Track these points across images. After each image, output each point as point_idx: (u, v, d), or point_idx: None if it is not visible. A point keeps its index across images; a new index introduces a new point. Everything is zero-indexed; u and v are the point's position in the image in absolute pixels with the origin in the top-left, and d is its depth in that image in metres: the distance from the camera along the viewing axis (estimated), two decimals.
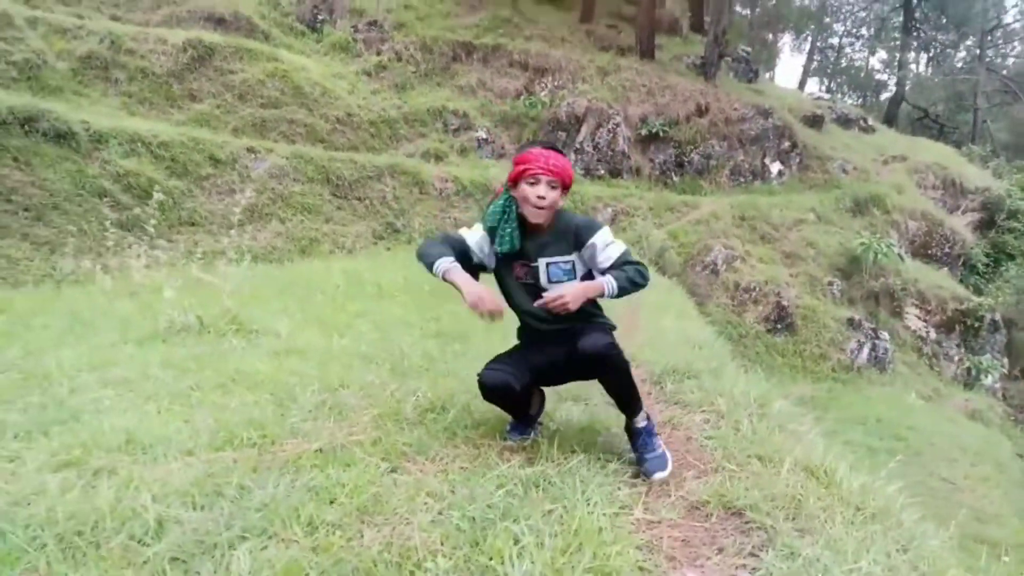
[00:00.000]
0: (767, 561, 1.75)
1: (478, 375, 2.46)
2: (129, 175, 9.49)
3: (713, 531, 1.99)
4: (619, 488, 2.21)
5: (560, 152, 2.44)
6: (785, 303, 13.21)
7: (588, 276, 2.48)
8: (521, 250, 2.44)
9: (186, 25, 14.83)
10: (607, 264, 2.42)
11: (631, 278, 2.37)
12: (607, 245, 2.43)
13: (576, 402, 3.19)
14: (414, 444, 2.47)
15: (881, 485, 2.29)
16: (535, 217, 2.39)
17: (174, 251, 8.23)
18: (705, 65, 19.01)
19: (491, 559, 1.68)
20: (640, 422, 2.42)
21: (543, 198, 2.35)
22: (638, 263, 2.44)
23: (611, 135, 16.37)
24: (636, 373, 3.70)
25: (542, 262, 2.45)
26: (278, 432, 2.56)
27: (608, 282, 2.34)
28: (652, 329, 5.85)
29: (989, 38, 37.34)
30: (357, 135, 14.32)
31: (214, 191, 10.32)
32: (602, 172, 16.16)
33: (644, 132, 16.80)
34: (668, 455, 2.39)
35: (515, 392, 2.39)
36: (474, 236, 2.49)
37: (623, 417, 2.47)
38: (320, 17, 17.93)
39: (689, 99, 17.55)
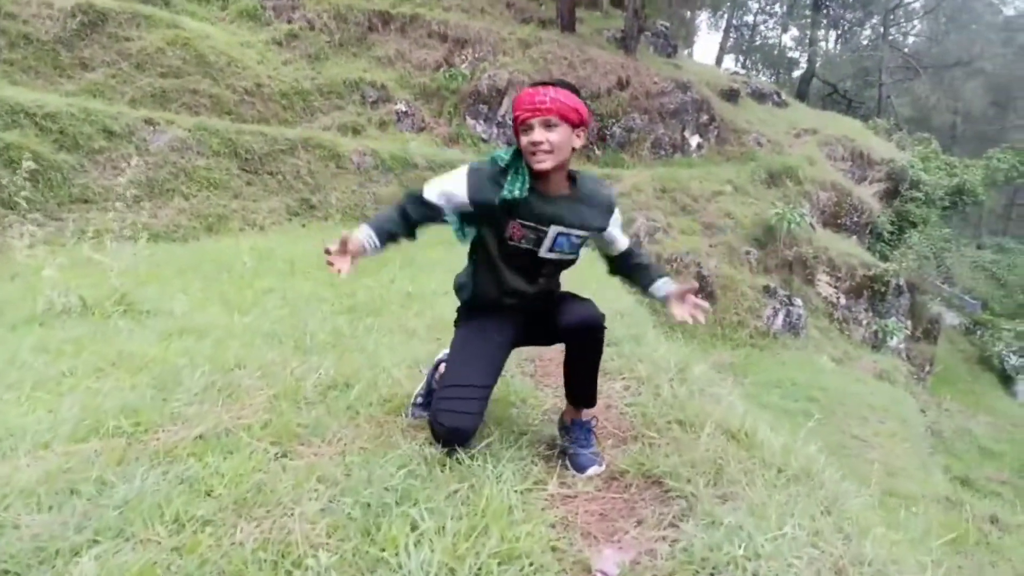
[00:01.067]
0: (688, 531, 1.63)
1: (433, 421, 2.07)
2: (9, 149, 8.66)
3: (632, 502, 1.87)
4: (533, 463, 2.06)
5: (563, 85, 2.03)
6: (706, 273, 13.44)
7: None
8: (526, 207, 2.04)
9: None
10: (621, 248, 2.29)
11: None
12: (616, 237, 2.27)
13: None
14: (310, 425, 2.24)
15: (801, 446, 2.21)
16: (539, 163, 1.99)
17: (63, 230, 7.58)
18: (625, 39, 19.01)
19: (383, 550, 1.48)
20: (587, 416, 2.22)
21: (538, 143, 1.97)
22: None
23: None
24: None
25: (553, 230, 2.09)
26: (155, 418, 2.28)
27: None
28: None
29: (892, 16, 39.00)
30: (268, 107, 13.61)
31: (108, 166, 9.54)
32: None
33: None
34: (604, 457, 2.18)
35: (475, 430, 2.10)
36: (445, 184, 2.08)
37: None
38: None
39: (610, 72, 17.51)
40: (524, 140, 2.01)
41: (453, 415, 2.02)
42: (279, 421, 2.23)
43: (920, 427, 10.25)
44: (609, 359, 3.26)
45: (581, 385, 2.19)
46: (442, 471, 1.91)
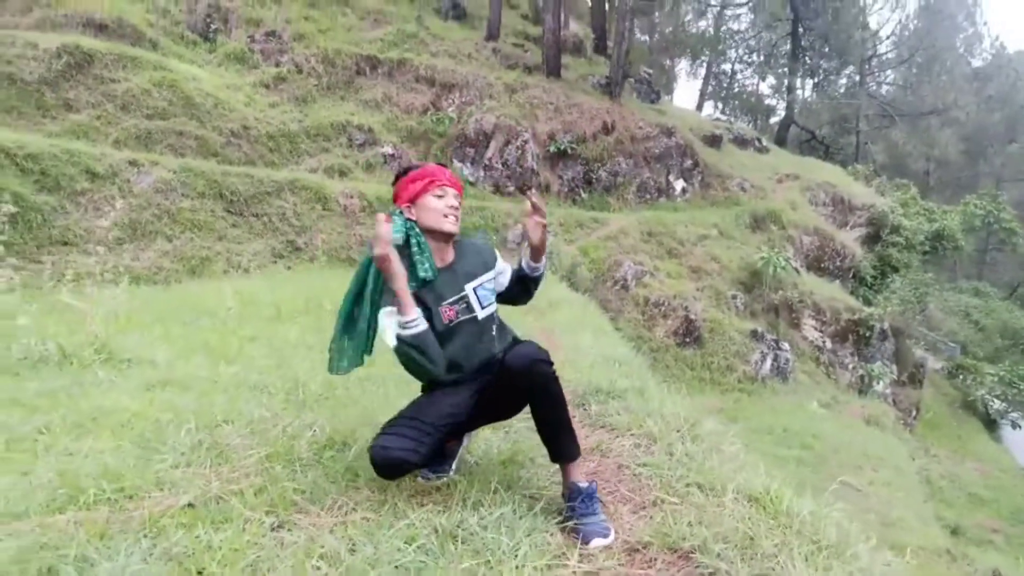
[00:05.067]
0: None
1: (369, 448, 2.07)
2: None
3: None
4: (550, 534, 1.91)
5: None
6: (693, 317, 13.41)
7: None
8: (442, 287, 2.22)
9: (62, 30, 13.63)
10: (507, 283, 2.45)
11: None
12: (505, 267, 2.46)
13: (495, 431, 2.87)
14: (308, 491, 2.09)
15: (828, 511, 2.09)
16: (451, 225, 2.24)
17: (40, 273, 7.36)
18: (610, 84, 19.32)
19: None
20: (582, 481, 2.09)
21: (456, 207, 2.26)
22: None
23: (520, 152, 16.29)
24: None
25: (469, 288, 2.28)
26: (139, 483, 2.11)
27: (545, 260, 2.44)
28: (570, 347, 5.62)
29: (867, 66, 40.19)
30: (254, 149, 13.56)
31: (91, 207, 9.39)
32: (511, 189, 16.03)
33: (552, 149, 16.82)
34: (611, 525, 2.04)
35: (413, 465, 2.06)
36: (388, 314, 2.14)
37: (549, 453, 2.17)
38: (213, 27, 17.00)
39: (596, 117, 17.75)
40: (439, 203, 2.22)
41: (385, 451, 2.00)
42: (274, 487, 2.08)
43: (913, 476, 10.15)
44: (615, 413, 3.14)
45: (552, 434, 2.12)
46: (455, 545, 1.77)
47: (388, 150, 15.37)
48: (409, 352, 2.02)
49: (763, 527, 1.90)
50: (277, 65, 16.21)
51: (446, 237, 2.26)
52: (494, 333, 2.33)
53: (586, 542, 1.92)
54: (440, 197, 2.23)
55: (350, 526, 1.87)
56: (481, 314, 2.28)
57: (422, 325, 2.04)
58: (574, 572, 1.73)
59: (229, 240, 10.56)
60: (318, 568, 1.64)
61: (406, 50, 18.29)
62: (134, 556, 1.66)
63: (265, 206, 11.38)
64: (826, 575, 1.66)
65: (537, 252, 2.35)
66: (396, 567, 1.63)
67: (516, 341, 2.40)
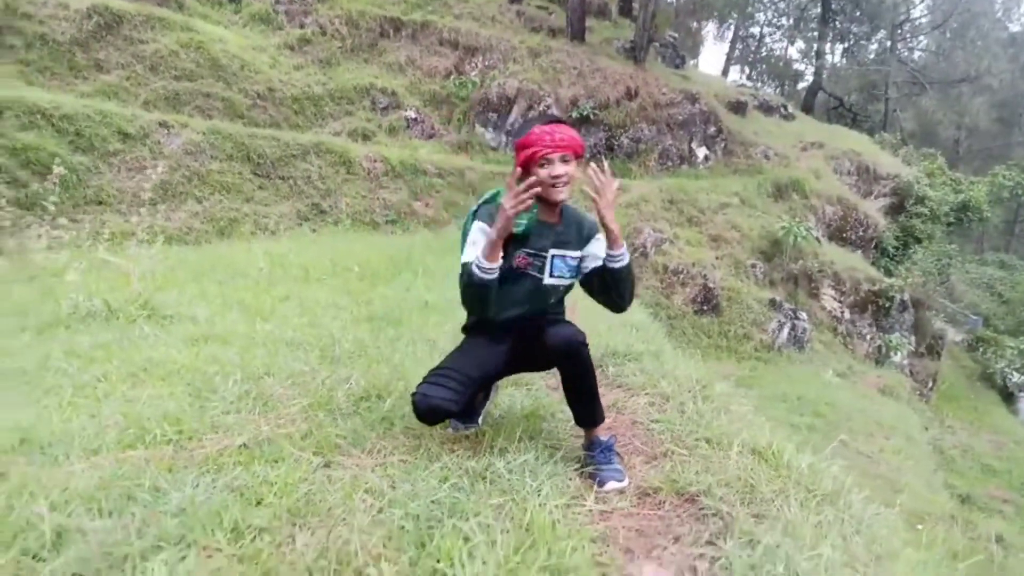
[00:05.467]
0: (727, 550, 1.69)
1: (412, 395, 2.22)
2: (28, 150, 8.74)
3: (667, 519, 1.92)
4: (569, 478, 2.12)
5: (563, 122, 2.29)
6: (711, 285, 13.50)
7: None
8: (528, 237, 2.29)
9: None
10: (589, 269, 2.38)
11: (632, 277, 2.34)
12: (601, 254, 2.36)
13: (518, 387, 3.08)
14: (348, 436, 2.30)
15: (827, 466, 2.27)
16: (559, 195, 2.25)
17: (79, 232, 7.62)
18: (635, 49, 19.11)
19: (439, 561, 1.54)
20: (604, 435, 2.31)
21: (560, 176, 2.22)
22: None
23: None
24: None
25: (551, 253, 2.34)
26: (196, 426, 2.35)
27: (625, 250, 2.28)
28: (587, 312, 5.79)
29: (899, 31, 39.15)
30: (279, 111, 13.72)
31: (123, 168, 9.64)
32: None
33: (575, 115, 16.77)
34: (626, 472, 2.24)
35: (451, 413, 2.21)
36: (474, 239, 2.23)
37: (574, 418, 2.36)
38: None
39: (619, 82, 17.62)
40: (543, 173, 2.22)
41: (427, 399, 2.16)
42: (318, 432, 2.30)
43: (925, 444, 10.29)
44: (632, 374, 3.33)
45: (580, 404, 2.30)
46: (484, 485, 1.97)
47: (411, 114, 15.46)
48: (472, 286, 2.13)
49: (764, 476, 2.09)
50: (301, 27, 16.27)
51: (554, 203, 2.29)
52: (551, 301, 2.42)
53: (601, 485, 2.13)
54: (544, 166, 2.22)
55: (389, 467, 2.09)
56: (546, 280, 2.35)
57: (494, 275, 2.13)
58: (590, 510, 1.93)
59: (256, 202, 10.79)
60: (364, 500, 1.85)
61: (429, 12, 18.22)
62: (200, 487, 1.88)
63: (291, 169, 11.57)
64: (818, 518, 1.84)
65: (610, 237, 2.24)
66: (432, 501, 1.84)
67: (557, 318, 2.46)
